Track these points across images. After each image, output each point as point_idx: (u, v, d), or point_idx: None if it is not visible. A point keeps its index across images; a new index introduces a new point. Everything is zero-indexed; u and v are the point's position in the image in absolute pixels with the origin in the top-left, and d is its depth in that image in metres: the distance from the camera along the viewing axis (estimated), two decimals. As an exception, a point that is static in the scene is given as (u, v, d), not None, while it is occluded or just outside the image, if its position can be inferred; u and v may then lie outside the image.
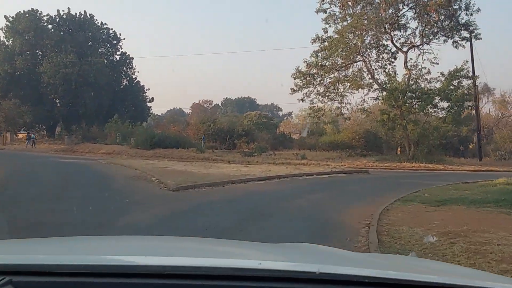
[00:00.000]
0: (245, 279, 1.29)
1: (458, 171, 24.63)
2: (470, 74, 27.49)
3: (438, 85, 27.26)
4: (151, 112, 59.41)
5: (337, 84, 29.15)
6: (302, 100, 29.87)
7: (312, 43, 29.37)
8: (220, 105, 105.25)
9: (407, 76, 27.33)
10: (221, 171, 18.42)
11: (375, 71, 28.88)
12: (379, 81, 28.39)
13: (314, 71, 29.19)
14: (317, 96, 29.67)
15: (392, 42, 28.16)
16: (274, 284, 1.27)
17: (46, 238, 2.94)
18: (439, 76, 27.31)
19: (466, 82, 26.95)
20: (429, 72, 27.23)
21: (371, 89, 28.08)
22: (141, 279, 1.29)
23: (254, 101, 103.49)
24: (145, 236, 4.69)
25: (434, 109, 27.41)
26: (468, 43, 27.34)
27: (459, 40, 27.52)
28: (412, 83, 27.37)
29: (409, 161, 26.89)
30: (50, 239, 2.60)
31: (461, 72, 26.94)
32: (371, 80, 28.06)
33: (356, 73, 28.51)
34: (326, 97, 29.61)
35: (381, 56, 29.36)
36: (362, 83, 27.70)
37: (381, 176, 19.36)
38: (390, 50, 28.87)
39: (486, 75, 67.00)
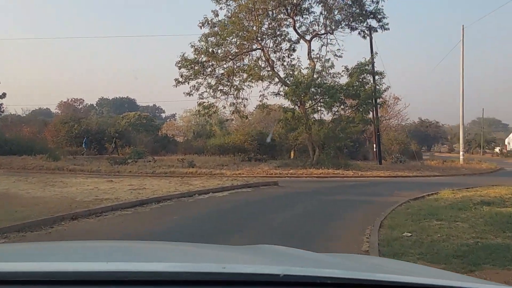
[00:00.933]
0: (209, 283, 1.26)
1: (370, 177, 20.97)
2: (376, 69, 24.24)
3: (342, 80, 23.52)
4: (2, 110, 47.90)
5: (231, 75, 23.78)
6: (189, 94, 23.88)
7: (200, 27, 23.65)
8: (95, 105, 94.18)
9: (311, 68, 23.02)
10: (66, 192, 11.62)
11: (274, 63, 24.16)
12: (279, 72, 23.72)
13: (204, 59, 23.44)
14: (208, 90, 23.97)
15: (294, 28, 23.66)
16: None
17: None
18: (343, 71, 23.57)
19: (371, 78, 23.54)
20: (332, 65, 23.31)
21: (272, 82, 23.24)
22: (100, 286, 1.21)
23: (134, 101, 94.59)
24: (105, 241, 4.28)
25: (342, 106, 23.55)
26: (379, 32, 24.05)
27: (366, 30, 24.13)
28: (316, 76, 23.17)
29: (314, 166, 22.62)
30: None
31: (368, 67, 23.52)
32: (271, 72, 23.18)
33: (254, 63, 23.41)
34: (219, 91, 24.07)
35: (279, 47, 24.75)
36: (262, 74, 22.66)
37: (297, 191, 14.31)
38: (291, 39, 24.40)
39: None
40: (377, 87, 22.90)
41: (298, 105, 23.53)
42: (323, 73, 23.22)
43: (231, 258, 1.88)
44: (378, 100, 22.89)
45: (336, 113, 24.33)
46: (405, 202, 11.06)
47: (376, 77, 23.58)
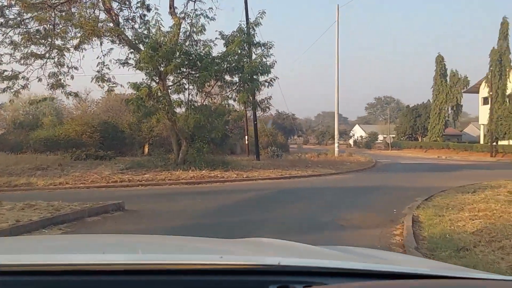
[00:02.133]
0: (207, 273, 1.24)
1: (260, 180, 14.82)
2: (259, 39, 17.99)
3: (217, 51, 16.73)
4: None
5: (51, 30, 15.02)
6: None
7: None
8: None
9: (176, 24, 15.66)
10: None
11: (118, 17, 16.11)
12: (129, 34, 15.82)
13: (5, 2, 14.26)
14: (12, 51, 14.84)
15: (150, -32, 15.97)
16: (236, 277, 1.22)
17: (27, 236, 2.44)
18: (217, 38, 16.80)
19: (259, 51, 17.13)
20: (203, 29, 16.28)
21: (116, 43, 15.21)
22: (105, 276, 1.21)
23: None
24: (110, 235, 4.28)
25: (219, 83, 16.76)
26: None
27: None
28: (183, 40, 15.96)
29: (180, 167, 15.50)
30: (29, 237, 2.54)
31: (247, 35, 17.19)
32: (114, 28, 15.08)
33: (86, 11, 15.01)
34: (31, 55, 15.08)
35: (127, 2, 16.79)
36: (101, 28, 14.44)
37: (168, 229, 6.92)
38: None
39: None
40: (263, 59, 16.66)
41: (157, 80, 16.03)
42: (193, 35, 16.08)
43: (229, 249, 1.83)
44: (266, 77, 16.69)
45: (209, 94, 17.50)
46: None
47: (260, 49, 17.24)
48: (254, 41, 17.13)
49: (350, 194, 11.18)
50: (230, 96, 16.64)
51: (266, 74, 16.53)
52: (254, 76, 16.18)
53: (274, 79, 16.36)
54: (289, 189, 12.24)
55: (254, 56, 16.89)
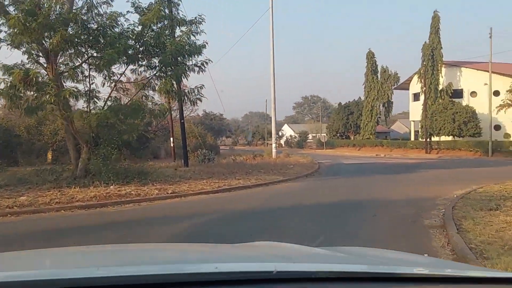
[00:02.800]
0: (202, 284, 1.16)
1: (191, 195, 10.90)
2: (182, 15, 13.95)
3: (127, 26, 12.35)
4: None
5: None
6: None
7: None
8: None
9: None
10: None
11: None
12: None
13: None
14: None
15: None
16: (232, 287, 1.14)
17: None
18: (129, 12, 12.46)
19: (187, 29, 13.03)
20: (109, 1, 11.92)
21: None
22: None
23: None
24: (97, 246, 3.70)
25: (133, 67, 12.39)
26: None
27: None
28: (81, 5, 11.43)
29: (79, 182, 10.99)
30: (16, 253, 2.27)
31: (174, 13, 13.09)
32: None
33: None
34: None
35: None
36: None
37: None
38: None
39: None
40: (191, 37, 12.61)
41: (45, 63, 11.34)
42: (98, 8, 11.58)
43: (225, 257, 1.73)
44: (196, 60, 12.61)
45: (120, 83, 13.08)
46: None
47: (185, 27, 13.17)
48: (179, 17, 13.12)
49: (321, 218, 7.59)
50: (147, 84, 12.37)
51: (196, 56, 12.53)
52: (179, 59, 12.09)
53: (207, 62, 12.36)
54: (233, 212, 8.36)
55: (179, 34, 12.83)
